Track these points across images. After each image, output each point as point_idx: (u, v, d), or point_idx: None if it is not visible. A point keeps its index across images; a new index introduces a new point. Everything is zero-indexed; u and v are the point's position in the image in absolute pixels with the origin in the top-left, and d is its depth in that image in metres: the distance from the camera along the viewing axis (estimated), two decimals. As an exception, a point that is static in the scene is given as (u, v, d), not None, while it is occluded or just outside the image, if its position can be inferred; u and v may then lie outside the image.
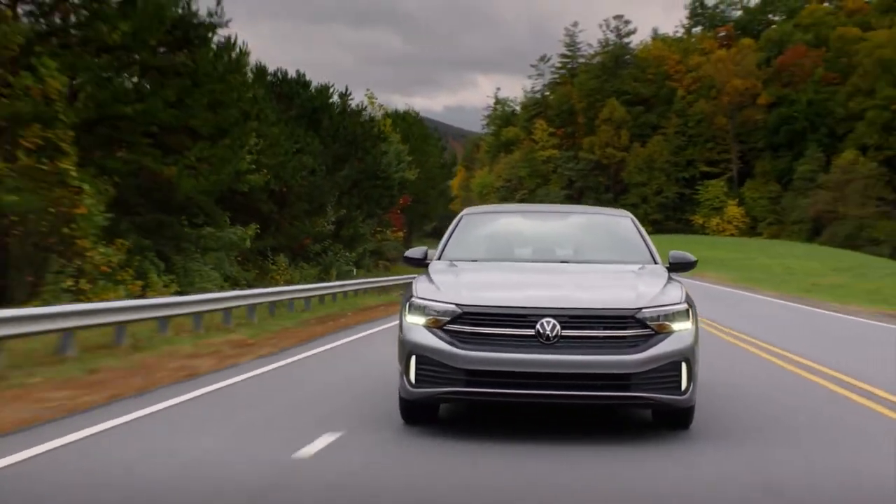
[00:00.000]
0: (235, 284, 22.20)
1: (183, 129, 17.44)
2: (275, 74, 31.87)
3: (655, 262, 7.02)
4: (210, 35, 19.40)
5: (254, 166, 21.92)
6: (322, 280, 28.56)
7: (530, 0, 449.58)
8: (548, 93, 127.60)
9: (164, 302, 13.50)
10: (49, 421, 6.51)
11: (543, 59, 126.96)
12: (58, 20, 16.01)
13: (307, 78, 34.74)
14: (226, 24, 19.70)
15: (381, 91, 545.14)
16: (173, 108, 16.96)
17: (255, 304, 17.12)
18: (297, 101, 31.24)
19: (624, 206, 59.45)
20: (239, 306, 16.25)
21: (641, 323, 5.80)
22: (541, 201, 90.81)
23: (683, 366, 5.83)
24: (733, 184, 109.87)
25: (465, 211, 8.06)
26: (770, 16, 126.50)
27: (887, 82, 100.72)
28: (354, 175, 34.30)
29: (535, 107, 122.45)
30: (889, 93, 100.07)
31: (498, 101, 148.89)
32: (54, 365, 9.48)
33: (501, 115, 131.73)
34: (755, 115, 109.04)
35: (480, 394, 5.79)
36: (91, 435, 5.97)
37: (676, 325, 5.88)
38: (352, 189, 34.21)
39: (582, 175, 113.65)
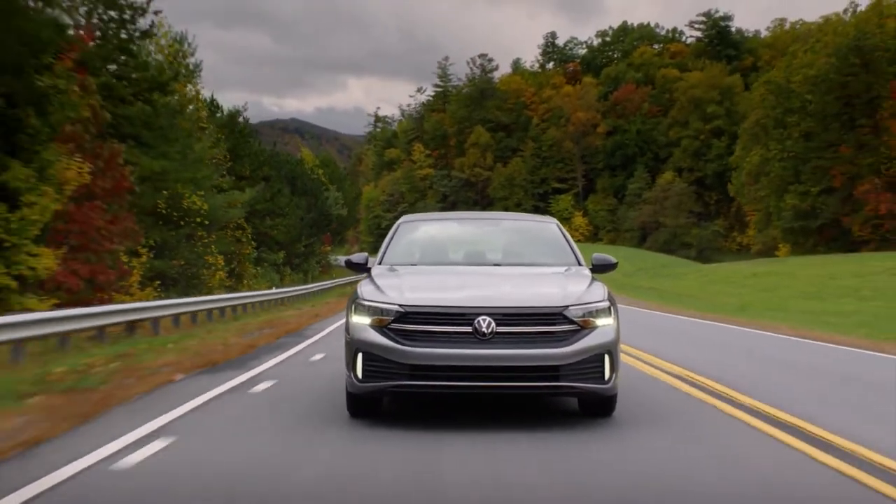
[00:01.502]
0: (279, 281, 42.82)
1: (273, 210, 38.10)
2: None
3: (580, 264, 7.50)
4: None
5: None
6: (304, 281, 49.18)
7: (398, 4, 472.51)
8: (423, 112, 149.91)
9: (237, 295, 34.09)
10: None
11: (420, 90, 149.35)
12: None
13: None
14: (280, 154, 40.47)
15: (253, 93, 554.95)
16: (269, 202, 37.58)
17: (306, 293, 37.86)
18: (283, 171, 51.61)
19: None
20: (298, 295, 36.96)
21: (568, 319, 6.26)
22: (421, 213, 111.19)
23: (606, 358, 6.34)
24: (579, 198, 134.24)
25: (402, 219, 8.62)
26: (610, 53, 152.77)
27: (698, 116, 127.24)
28: (316, 216, 55.13)
29: (414, 131, 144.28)
30: (699, 125, 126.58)
31: (378, 119, 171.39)
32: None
33: (383, 137, 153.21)
34: (596, 141, 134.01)
35: (423, 386, 6.22)
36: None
37: (600, 321, 6.37)
38: (312, 224, 54.93)
39: (454, 190, 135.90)
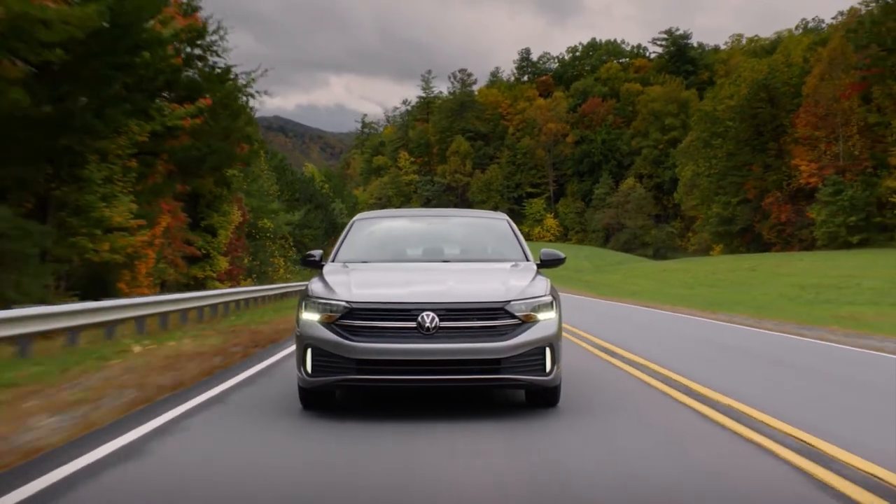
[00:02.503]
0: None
1: (305, 224, 52.69)
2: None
3: (528, 260, 7.86)
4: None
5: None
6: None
7: (377, 4, 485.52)
8: (408, 120, 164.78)
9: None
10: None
11: (405, 102, 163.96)
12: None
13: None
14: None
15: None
16: (304, 217, 52.24)
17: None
18: (304, 191, 65.96)
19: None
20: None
21: (510, 314, 6.49)
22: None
23: (548, 350, 6.61)
24: (550, 201, 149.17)
25: (356, 217, 8.94)
26: (580, 66, 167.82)
27: (657, 128, 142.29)
28: (327, 225, 69.80)
29: (399, 140, 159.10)
30: (657, 136, 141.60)
31: (365, 125, 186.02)
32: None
33: (371, 145, 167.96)
34: (565, 149, 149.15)
35: (369, 380, 6.45)
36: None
37: (542, 315, 6.63)
38: (324, 232, 69.53)
39: (436, 195, 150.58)
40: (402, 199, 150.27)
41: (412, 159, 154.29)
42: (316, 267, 7.60)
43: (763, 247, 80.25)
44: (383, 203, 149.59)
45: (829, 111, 72.41)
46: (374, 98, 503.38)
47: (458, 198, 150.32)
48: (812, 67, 78.14)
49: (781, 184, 77.75)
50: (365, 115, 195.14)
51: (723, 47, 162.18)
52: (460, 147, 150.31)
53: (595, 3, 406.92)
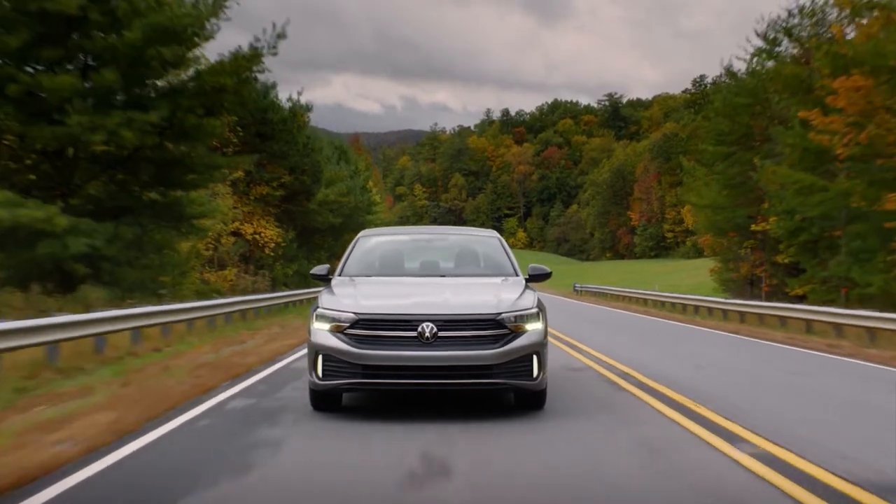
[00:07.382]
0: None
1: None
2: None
3: (517, 274, 8.88)
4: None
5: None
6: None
7: (371, 4, 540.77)
8: (419, 159, 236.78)
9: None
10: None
11: (418, 144, 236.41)
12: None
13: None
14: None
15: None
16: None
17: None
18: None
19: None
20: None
21: (501, 324, 7.42)
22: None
23: (535, 357, 7.57)
24: (521, 220, 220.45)
25: (361, 233, 10.08)
26: (545, 119, 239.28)
27: (594, 169, 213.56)
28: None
29: (414, 176, 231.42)
30: (596, 177, 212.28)
31: (384, 159, 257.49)
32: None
33: (392, 176, 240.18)
34: (531, 184, 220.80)
35: (374, 384, 7.47)
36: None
37: (529, 326, 7.57)
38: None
39: (441, 215, 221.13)
40: (416, 217, 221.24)
41: (424, 189, 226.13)
42: (324, 281, 8.72)
43: (620, 256, 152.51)
44: (402, 222, 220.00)
45: (647, 186, 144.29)
46: (373, 96, 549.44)
47: (456, 217, 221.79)
48: (643, 158, 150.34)
49: (626, 223, 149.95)
50: (383, 153, 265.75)
51: (661, 94, 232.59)
52: (458, 181, 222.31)
53: (582, 2, 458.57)
